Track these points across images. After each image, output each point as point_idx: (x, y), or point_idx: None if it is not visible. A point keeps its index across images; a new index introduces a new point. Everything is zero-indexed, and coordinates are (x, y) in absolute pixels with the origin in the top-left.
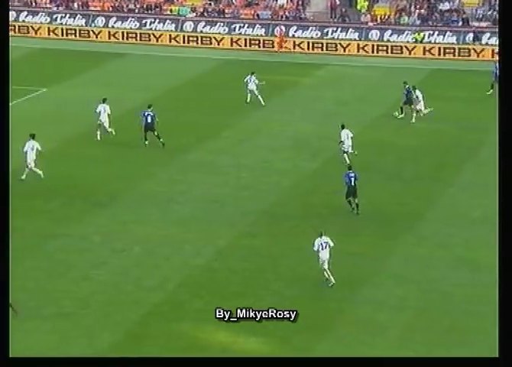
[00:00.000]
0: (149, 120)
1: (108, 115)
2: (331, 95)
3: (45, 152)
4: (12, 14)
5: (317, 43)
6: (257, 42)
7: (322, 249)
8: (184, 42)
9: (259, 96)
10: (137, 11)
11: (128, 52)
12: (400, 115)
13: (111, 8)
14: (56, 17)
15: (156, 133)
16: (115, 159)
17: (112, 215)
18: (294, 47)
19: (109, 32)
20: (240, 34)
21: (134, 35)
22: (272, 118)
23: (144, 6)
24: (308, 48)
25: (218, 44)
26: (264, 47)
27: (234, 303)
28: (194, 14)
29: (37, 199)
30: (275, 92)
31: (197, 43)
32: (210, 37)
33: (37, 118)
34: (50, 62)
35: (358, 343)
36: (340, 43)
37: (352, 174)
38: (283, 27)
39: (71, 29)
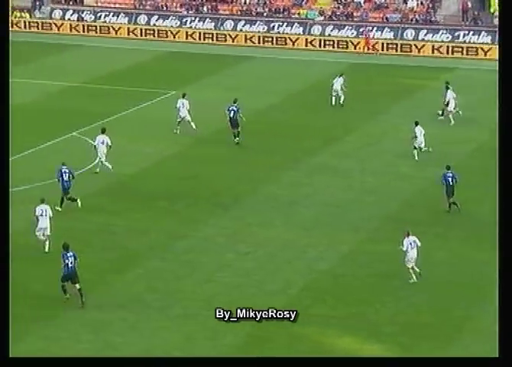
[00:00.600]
0: (231, 115)
1: (188, 110)
2: (459, 99)
3: (172, 154)
4: (144, 18)
5: (448, 46)
6: (386, 45)
7: (411, 248)
8: (311, 46)
9: (342, 97)
10: (265, 14)
11: (256, 55)
12: (441, 117)
13: (239, 12)
14: (186, 21)
15: (238, 129)
16: (240, 161)
17: (236, 218)
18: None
19: (237, 35)
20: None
21: (261, 38)
22: (399, 122)
23: (273, 9)
24: (438, 51)
25: (347, 48)
26: (394, 50)
27: (359, 310)
28: (322, 17)
29: (164, 201)
30: (404, 96)
31: (325, 46)
32: (338, 41)
33: (165, 120)
34: (179, 65)
35: (484, 352)
36: (472, 47)
37: (450, 174)
38: (369, 28)
39: (200, 32)
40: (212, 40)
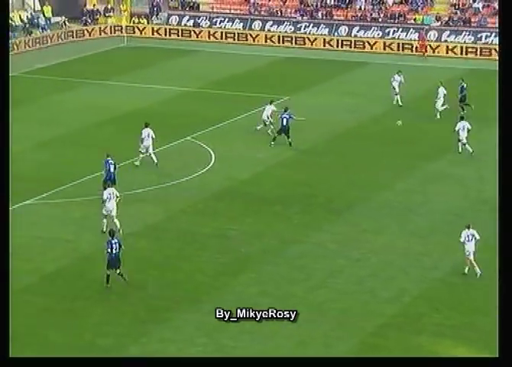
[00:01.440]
0: (284, 123)
1: (268, 116)
2: None
3: (285, 159)
4: (258, 24)
5: None
6: None
7: (469, 241)
8: (429, 51)
9: (398, 95)
10: (380, 20)
11: (370, 61)
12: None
13: (353, 18)
14: (300, 27)
15: (288, 136)
16: (353, 167)
17: (349, 224)
18: None
19: (353, 41)
20: (487, 43)
21: (377, 44)
22: None
23: (388, 15)
24: None
25: (466, 54)
26: None
27: (473, 319)
28: (439, 23)
29: (277, 206)
30: None
31: (445, 52)
32: (456, 46)
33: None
34: (292, 70)
35: None
36: None
37: None
38: (423, 31)
39: (314, 38)
40: (326, 45)
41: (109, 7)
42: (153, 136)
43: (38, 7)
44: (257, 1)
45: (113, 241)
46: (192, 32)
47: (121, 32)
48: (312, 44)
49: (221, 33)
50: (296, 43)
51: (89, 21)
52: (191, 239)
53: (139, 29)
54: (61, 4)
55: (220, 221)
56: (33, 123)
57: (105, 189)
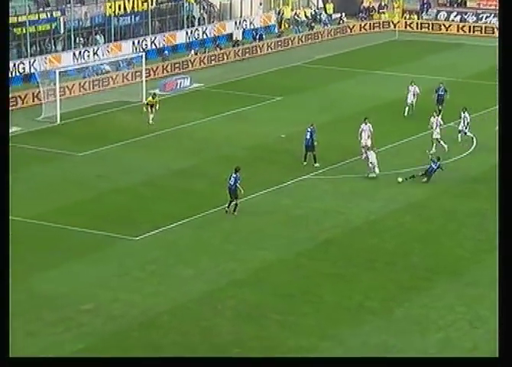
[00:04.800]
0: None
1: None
2: None
3: None
4: None
5: None
6: None
7: None
8: None
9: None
10: None
11: None
12: None
13: None
14: None
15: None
16: None
17: None
18: None
19: None
20: None
21: None
22: None
23: None
24: None
25: None
26: None
27: None
28: None
29: None
30: None
31: None
32: None
33: None
34: None
35: None
36: None
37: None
38: None
39: None
40: None
41: (383, 4)
42: (371, 129)
43: (321, 5)
44: None
45: (233, 176)
46: (458, 26)
47: (394, 27)
48: None
49: (485, 27)
50: None
51: (365, 16)
52: (452, 217)
53: (410, 24)
54: (341, 2)
55: (478, 201)
56: (312, 108)
57: (305, 158)
